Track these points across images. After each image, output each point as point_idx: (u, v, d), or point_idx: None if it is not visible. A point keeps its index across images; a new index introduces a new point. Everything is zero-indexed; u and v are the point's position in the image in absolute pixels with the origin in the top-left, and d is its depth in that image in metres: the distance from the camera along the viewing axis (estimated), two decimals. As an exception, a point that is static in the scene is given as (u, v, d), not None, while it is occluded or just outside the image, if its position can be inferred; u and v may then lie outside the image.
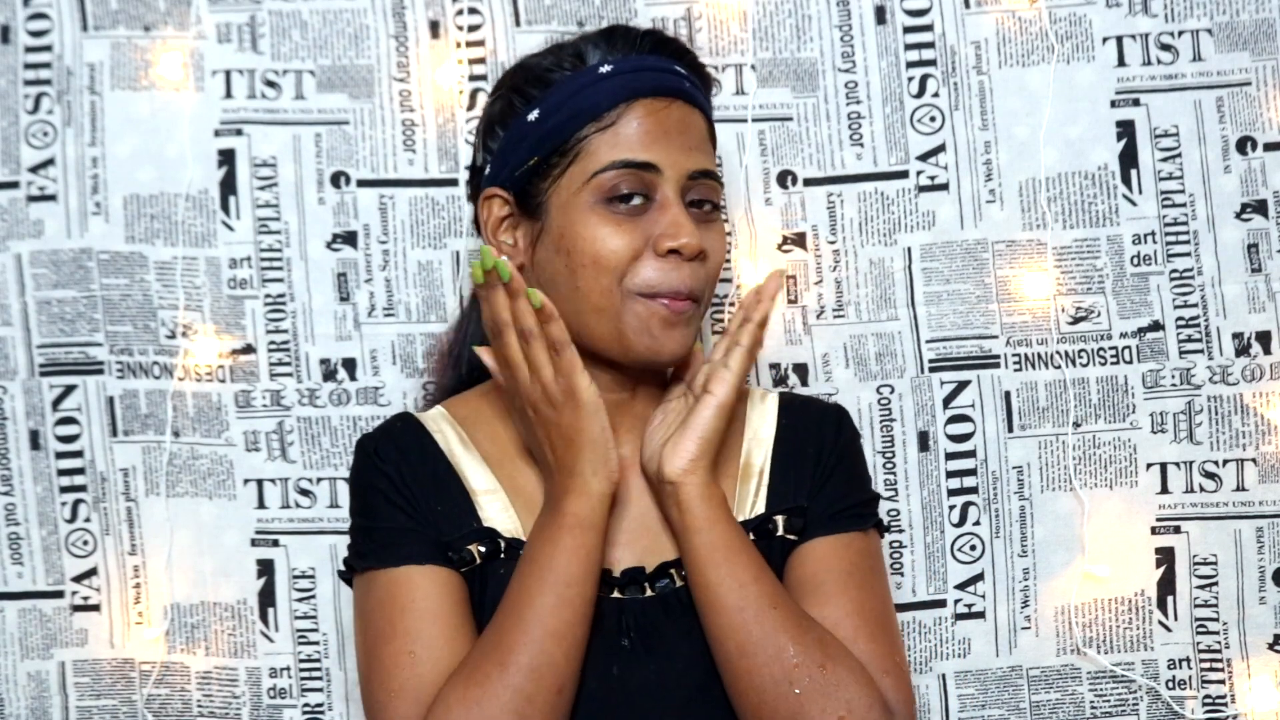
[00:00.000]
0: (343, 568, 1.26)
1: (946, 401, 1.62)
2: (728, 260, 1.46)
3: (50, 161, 1.62)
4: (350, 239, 1.63)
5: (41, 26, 1.61)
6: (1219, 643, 1.61)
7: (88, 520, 1.62)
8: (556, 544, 1.14)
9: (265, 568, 1.62)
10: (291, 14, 1.62)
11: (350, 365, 1.62)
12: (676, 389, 1.27)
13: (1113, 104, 1.61)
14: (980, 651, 1.62)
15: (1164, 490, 1.61)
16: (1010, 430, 1.62)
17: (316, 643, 1.62)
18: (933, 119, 1.62)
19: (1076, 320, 1.62)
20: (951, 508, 1.62)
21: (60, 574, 1.62)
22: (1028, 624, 1.61)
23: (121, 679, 1.62)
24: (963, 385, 1.62)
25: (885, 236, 1.62)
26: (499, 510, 1.23)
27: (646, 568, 1.21)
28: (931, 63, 1.62)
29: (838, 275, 1.63)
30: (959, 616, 1.62)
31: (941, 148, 1.62)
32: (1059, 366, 1.61)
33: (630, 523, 1.23)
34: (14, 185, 1.62)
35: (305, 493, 1.62)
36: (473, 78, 1.63)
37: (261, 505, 1.62)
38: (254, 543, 1.62)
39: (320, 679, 1.62)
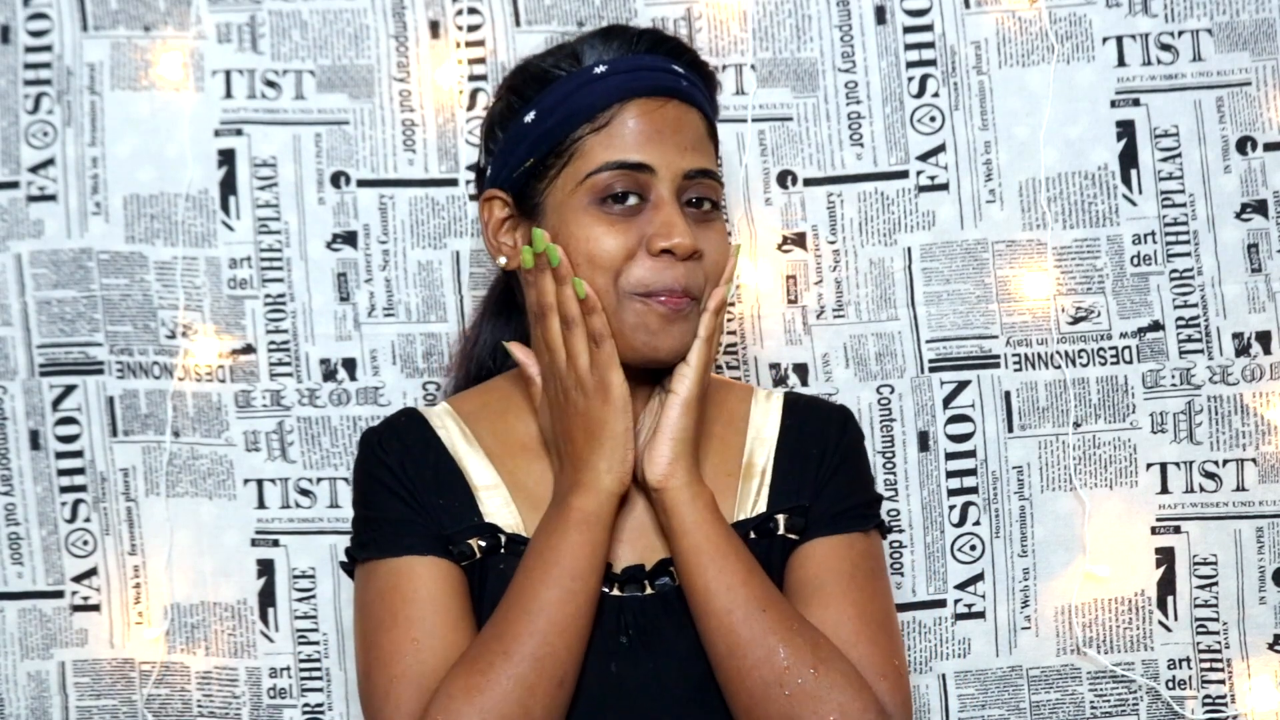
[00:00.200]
0: (344, 559, 1.27)
1: (946, 401, 1.62)
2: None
3: (50, 161, 1.62)
4: (350, 239, 1.63)
5: (41, 26, 1.61)
6: (1219, 643, 1.61)
7: (88, 520, 1.62)
8: (564, 538, 1.15)
9: (265, 568, 1.62)
10: (291, 14, 1.62)
11: (350, 365, 1.62)
12: (657, 391, 1.25)
13: (1113, 104, 1.61)
14: (980, 651, 1.62)
15: (1164, 490, 1.61)
16: (1010, 430, 1.62)
17: (316, 643, 1.62)
18: (933, 119, 1.62)
19: (1076, 320, 1.62)
20: (951, 508, 1.62)
21: (60, 574, 1.62)
22: (1028, 624, 1.61)
23: (121, 679, 1.62)
24: (963, 385, 1.62)
25: (885, 236, 1.62)
26: (500, 505, 1.23)
27: (646, 565, 1.21)
28: (931, 63, 1.62)
29: (838, 275, 1.63)
30: (959, 616, 1.62)
31: (941, 148, 1.62)
32: (1059, 366, 1.61)
33: (632, 521, 1.23)
34: (14, 185, 1.62)
35: (305, 493, 1.62)
36: (473, 78, 1.63)
37: (261, 505, 1.62)
38: (254, 543, 1.62)
39: (320, 679, 1.62)
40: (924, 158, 1.62)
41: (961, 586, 1.62)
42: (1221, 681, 1.61)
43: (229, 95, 1.62)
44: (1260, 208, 1.60)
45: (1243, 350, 1.60)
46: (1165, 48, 1.61)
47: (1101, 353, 1.61)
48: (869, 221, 1.63)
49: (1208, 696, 1.61)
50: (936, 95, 1.62)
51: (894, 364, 1.62)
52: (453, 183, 1.63)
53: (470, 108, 1.63)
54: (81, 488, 1.62)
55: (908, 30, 1.62)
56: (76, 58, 1.61)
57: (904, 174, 1.62)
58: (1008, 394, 1.62)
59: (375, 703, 1.16)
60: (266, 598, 1.62)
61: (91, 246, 1.62)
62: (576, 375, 1.17)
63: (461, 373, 1.42)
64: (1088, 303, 1.61)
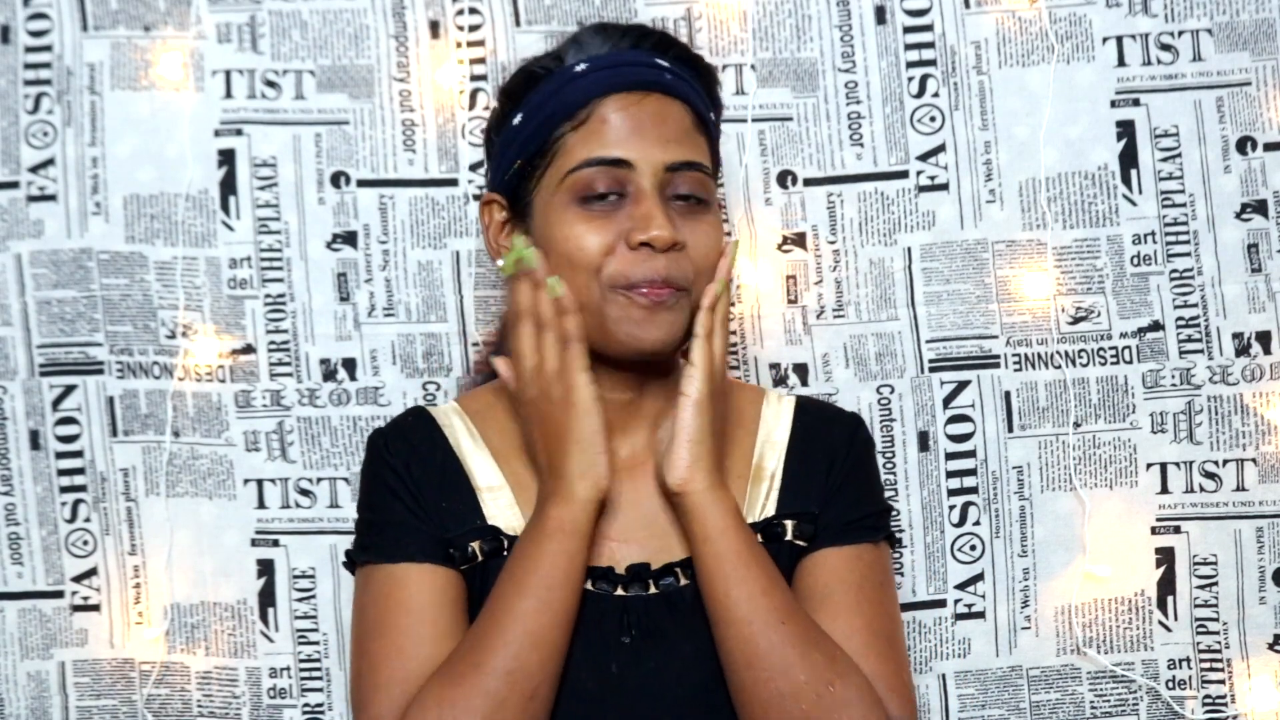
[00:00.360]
0: (346, 558, 1.28)
1: (946, 401, 1.62)
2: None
3: (50, 161, 1.62)
4: (350, 239, 1.63)
5: (41, 26, 1.61)
6: (1219, 643, 1.61)
7: (88, 520, 1.62)
8: (540, 548, 1.14)
9: (265, 568, 1.62)
10: (291, 14, 1.62)
11: (350, 365, 1.62)
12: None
13: (1113, 104, 1.61)
14: (980, 651, 1.62)
15: (1164, 490, 1.61)
16: (1010, 430, 1.61)
17: (316, 643, 1.62)
18: (933, 119, 1.62)
19: (1076, 320, 1.62)
20: (951, 508, 1.62)
21: (60, 574, 1.62)
22: (1028, 624, 1.61)
23: (121, 679, 1.62)
24: (963, 385, 1.62)
25: (885, 236, 1.62)
26: (504, 507, 1.23)
27: (653, 565, 1.21)
28: (931, 63, 1.62)
29: (838, 275, 1.63)
30: (959, 616, 1.62)
31: (941, 148, 1.62)
32: (1059, 366, 1.61)
33: (639, 522, 1.22)
34: (14, 185, 1.62)
35: (305, 493, 1.62)
36: (473, 78, 1.63)
37: (261, 505, 1.62)
38: (254, 543, 1.62)
39: (320, 679, 1.62)
40: (924, 158, 1.62)
41: (961, 586, 1.62)
42: (1221, 681, 1.60)
43: (229, 95, 1.62)
44: (1260, 208, 1.60)
45: (1243, 350, 1.60)
46: (1165, 48, 1.61)
47: (1101, 353, 1.61)
48: (869, 221, 1.63)
49: (1208, 696, 1.61)
50: (936, 95, 1.62)
51: (894, 364, 1.62)
52: (453, 183, 1.63)
53: (470, 108, 1.63)
54: (81, 488, 1.62)
55: (908, 30, 1.62)
56: (76, 58, 1.61)
57: (904, 174, 1.62)
58: (1008, 394, 1.62)
59: (359, 706, 1.17)
60: (266, 598, 1.62)
61: (91, 246, 1.62)
62: (545, 380, 1.16)
63: (480, 375, 1.43)
64: (1088, 303, 1.61)
